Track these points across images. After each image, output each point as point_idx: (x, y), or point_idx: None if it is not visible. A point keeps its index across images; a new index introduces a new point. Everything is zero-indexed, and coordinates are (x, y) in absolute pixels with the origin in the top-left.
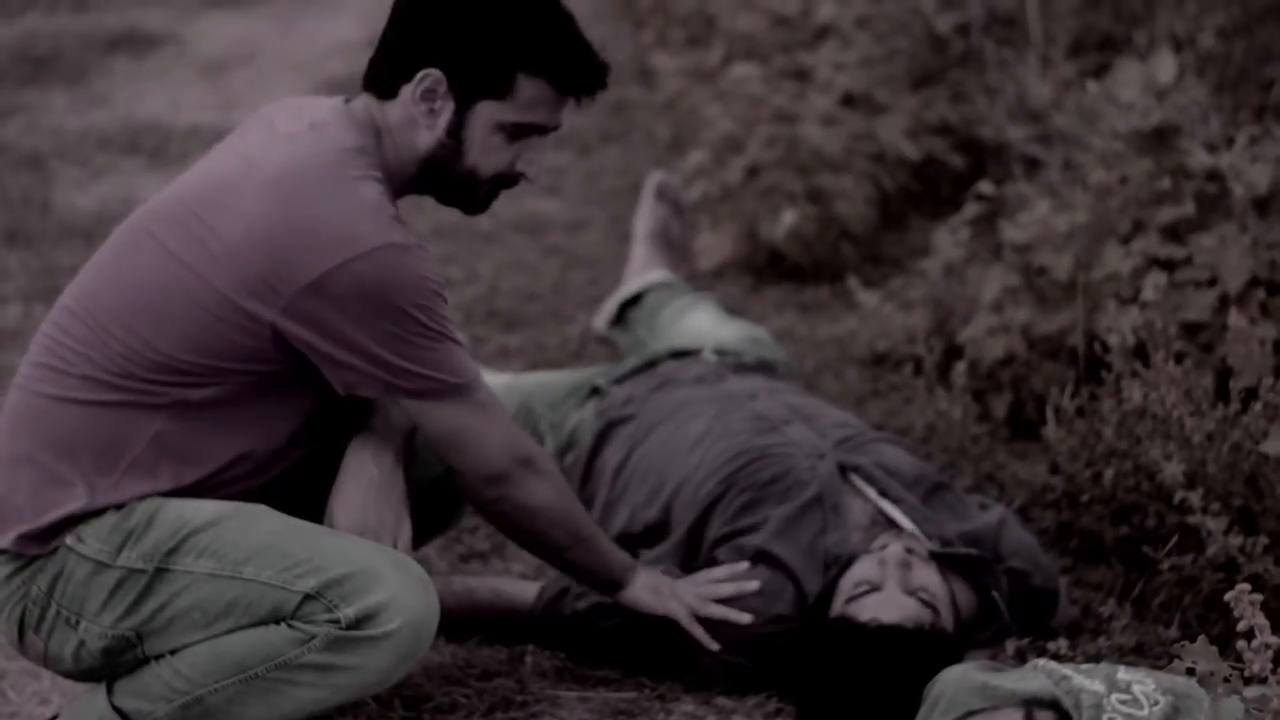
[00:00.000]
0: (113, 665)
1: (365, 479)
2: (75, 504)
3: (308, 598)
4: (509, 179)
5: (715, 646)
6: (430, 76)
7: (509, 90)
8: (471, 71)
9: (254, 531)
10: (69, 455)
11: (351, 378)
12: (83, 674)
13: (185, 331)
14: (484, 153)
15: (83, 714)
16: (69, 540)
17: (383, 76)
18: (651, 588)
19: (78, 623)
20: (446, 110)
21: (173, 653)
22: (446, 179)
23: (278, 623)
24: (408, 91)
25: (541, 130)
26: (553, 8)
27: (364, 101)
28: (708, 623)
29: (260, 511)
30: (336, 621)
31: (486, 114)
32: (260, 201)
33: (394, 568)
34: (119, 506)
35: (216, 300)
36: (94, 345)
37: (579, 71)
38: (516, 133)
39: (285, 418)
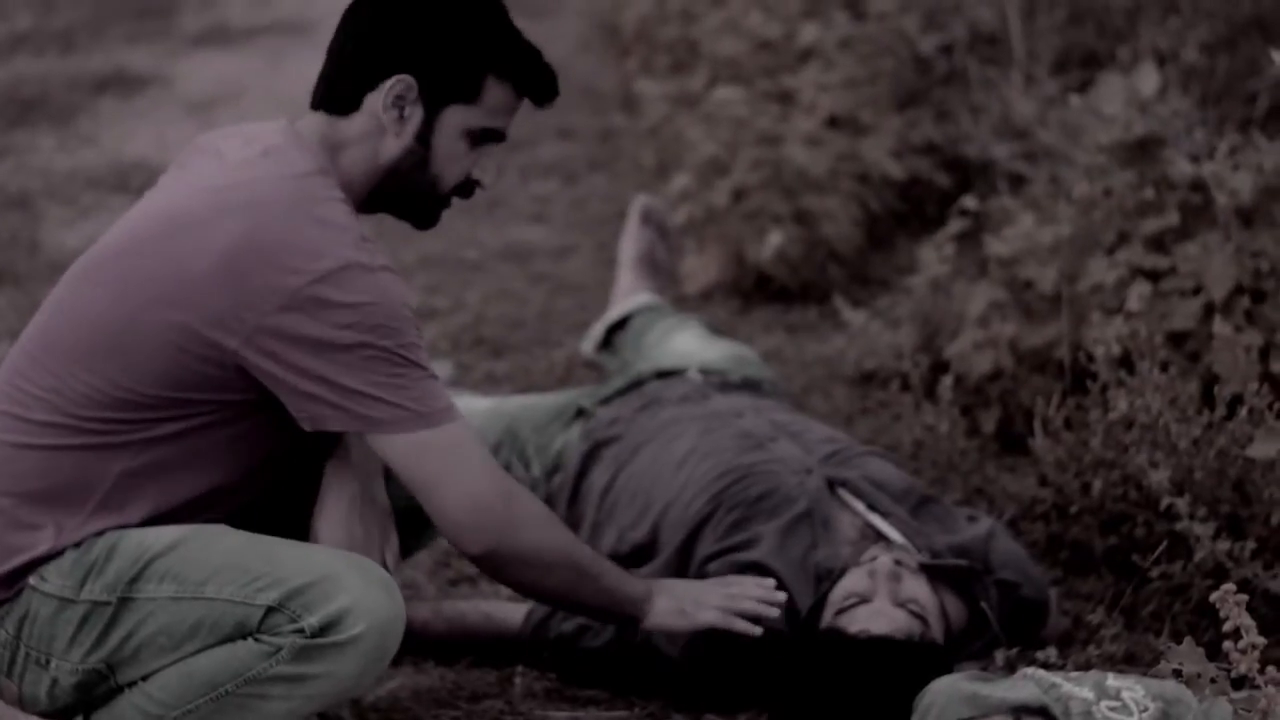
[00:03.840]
0: (88, 699)
1: (347, 494)
2: (42, 547)
3: (270, 610)
4: (467, 187)
5: (758, 632)
6: (401, 82)
7: (478, 94)
8: (442, 76)
9: (213, 551)
10: (35, 500)
11: (315, 409)
12: (59, 712)
13: (148, 366)
14: (448, 160)
15: None
16: (32, 580)
17: (341, 90)
18: (674, 610)
19: (48, 661)
20: (416, 116)
21: (144, 679)
22: (406, 189)
23: (244, 638)
24: (375, 100)
25: (500, 137)
26: (506, 15)
27: (312, 122)
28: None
29: (219, 531)
30: (301, 631)
31: (454, 119)
32: (224, 232)
33: (355, 572)
34: (78, 544)
35: (179, 333)
36: (55, 389)
37: (539, 74)
38: (479, 139)
39: (256, 445)
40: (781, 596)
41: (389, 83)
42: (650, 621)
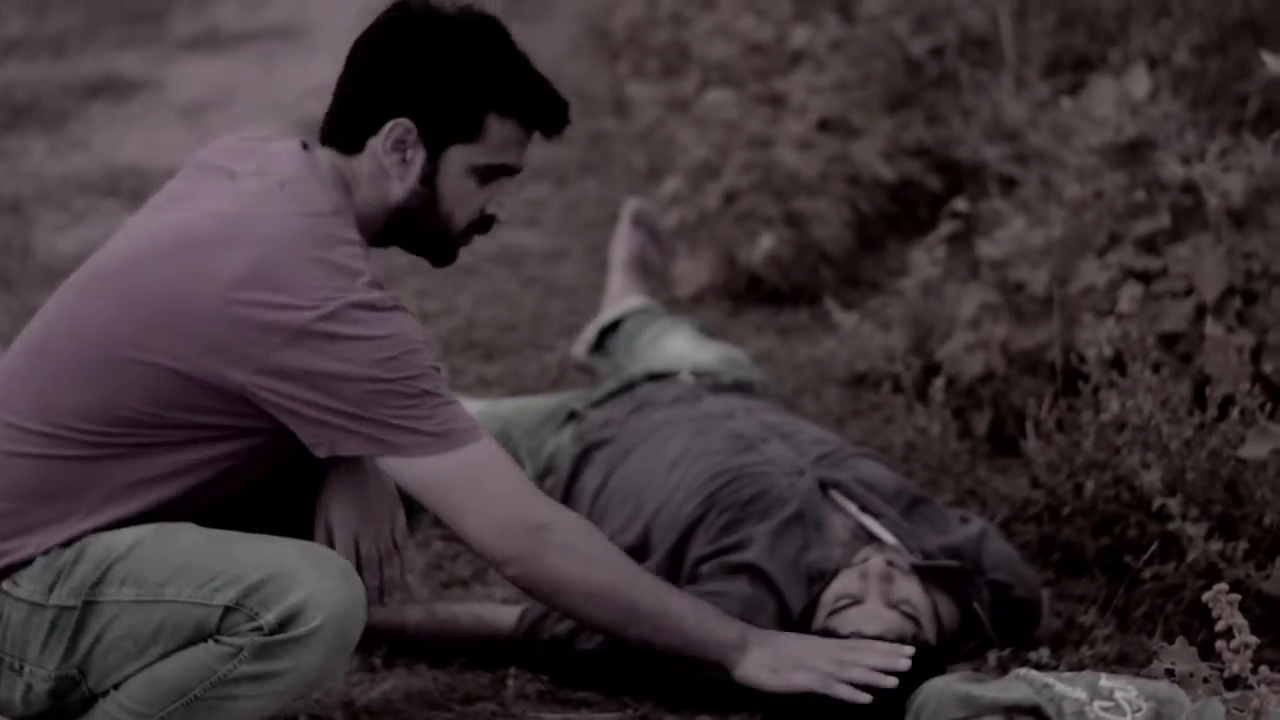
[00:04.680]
0: (63, 706)
1: (355, 473)
2: (24, 553)
3: (228, 610)
4: (483, 223)
5: (866, 699)
6: (400, 126)
7: (479, 133)
8: (441, 117)
9: (172, 551)
10: (28, 508)
11: (330, 435)
12: (35, 718)
13: (148, 387)
14: (458, 199)
15: None
16: (5, 585)
17: (345, 131)
18: (769, 667)
19: (22, 667)
20: (418, 159)
21: (116, 687)
22: (419, 229)
23: (205, 640)
24: (376, 144)
25: (511, 171)
26: (511, 48)
27: (327, 156)
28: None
29: (179, 529)
30: (260, 629)
31: (458, 158)
32: (232, 263)
33: (310, 563)
34: (47, 550)
35: (181, 360)
36: (50, 399)
37: (544, 107)
38: (488, 175)
39: (261, 459)
40: (905, 664)
41: (387, 127)
42: (740, 673)
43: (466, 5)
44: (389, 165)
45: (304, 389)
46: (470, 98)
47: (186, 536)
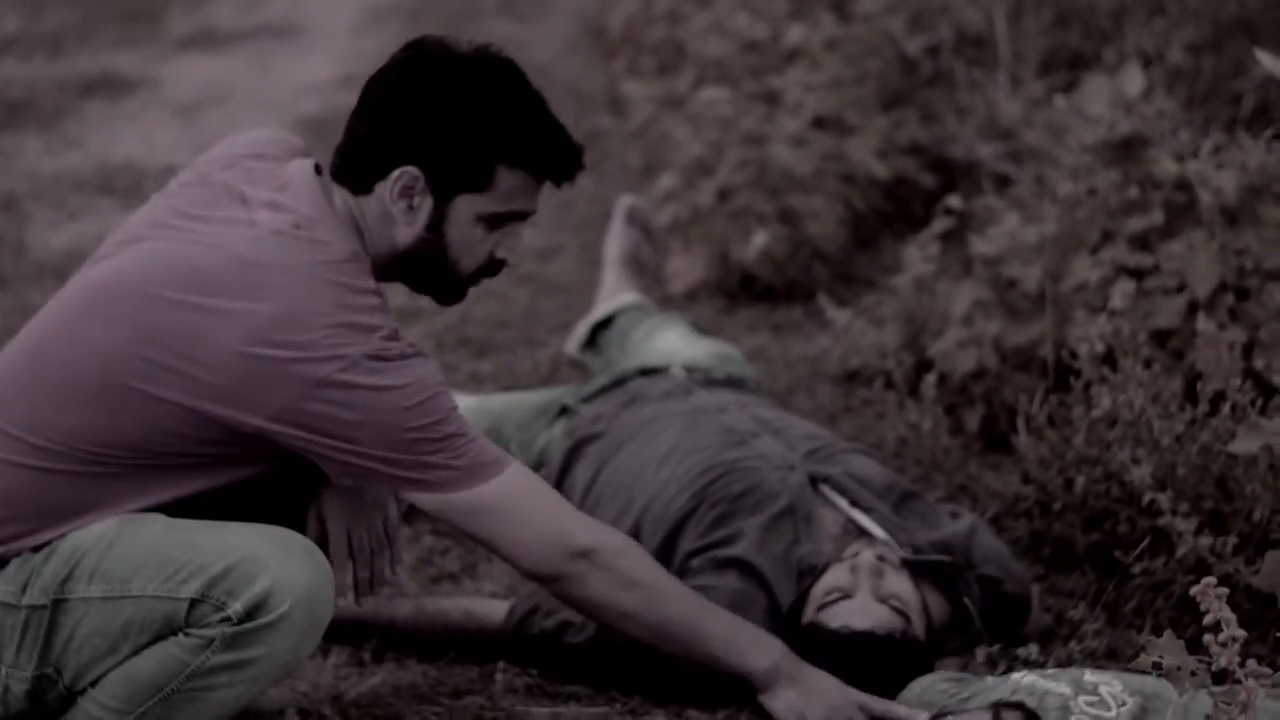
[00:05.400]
0: (42, 705)
1: None
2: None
3: (195, 602)
4: (491, 268)
5: None
6: (407, 174)
7: (489, 183)
8: (449, 167)
9: (137, 544)
10: (20, 516)
11: (355, 473)
12: (15, 718)
13: (154, 420)
14: (465, 245)
15: None
16: None
17: (356, 172)
18: (796, 711)
19: None
20: (425, 206)
21: (94, 685)
22: (426, 272)
23: (175, 633)
24: (384, 189)
25: (522, 216)
26: (525, 95)
27: (340, 195)
28: None
29: (144, 521)
30: (229, 619)
31: (466, 207)
32: (249, 314)
33: (274, 548)
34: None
35: (191, 403)
36: (42, 412)
37: (556, 159)
38: (496, 222)
39: (244, 470)
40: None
41: (395, 174)
42: (765, 703)
43: (483, 46)
44: (396, 211)
45: (327, 437)
46: (480, 149)
47: (150, 529)
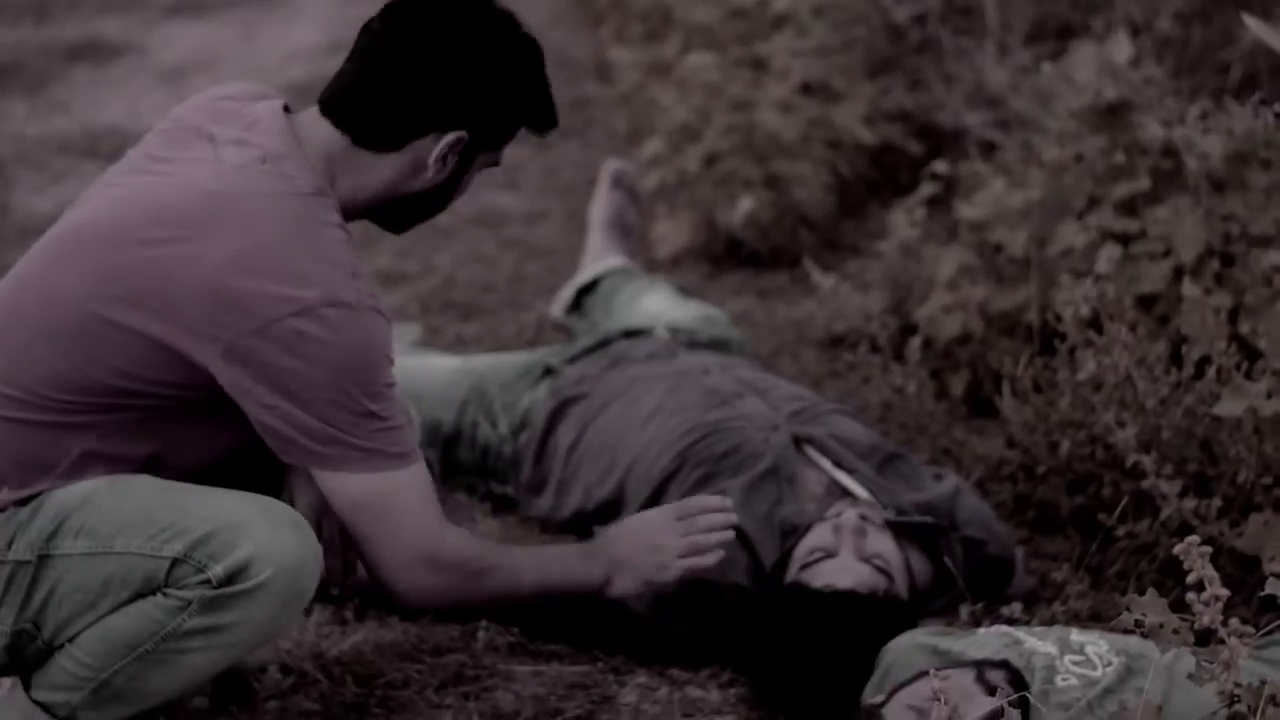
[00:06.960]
0: (22, 659)
1: None
2: None
3: (176, 562)
4: None
5: (719, 556)
6: (460, 140)
7: (508, 140)
8: (491, 131)
9: (125, 503)
10: None
11: (271, 439)
12: None
13: (116, 359)
14: (463, 190)
15: (6, 712)
16: None
17: (381, 131)
18: (637, 582)
19: None
20: (454, 162)
21: (72, 640)
22: (412, 209)
23: (154, 593)
24: (421, 146)
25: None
26: (538, 55)
27: (320, 132)
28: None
29: (133, 481)
30: (208, 582)
31: (481, 160)
32: (217, 247)
33: (261, 516)
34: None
35: (154, 337)
36: (19, 364)
37: (551, 116)
38: (486, 166)
39: (224, 432)
40: (732, 518)
41: (449, 138)
42: (614, 593)
43: (509, 13)
44: (430, 167)
45: (262, 383)
46: (515, 116)
47: (139, 488)
